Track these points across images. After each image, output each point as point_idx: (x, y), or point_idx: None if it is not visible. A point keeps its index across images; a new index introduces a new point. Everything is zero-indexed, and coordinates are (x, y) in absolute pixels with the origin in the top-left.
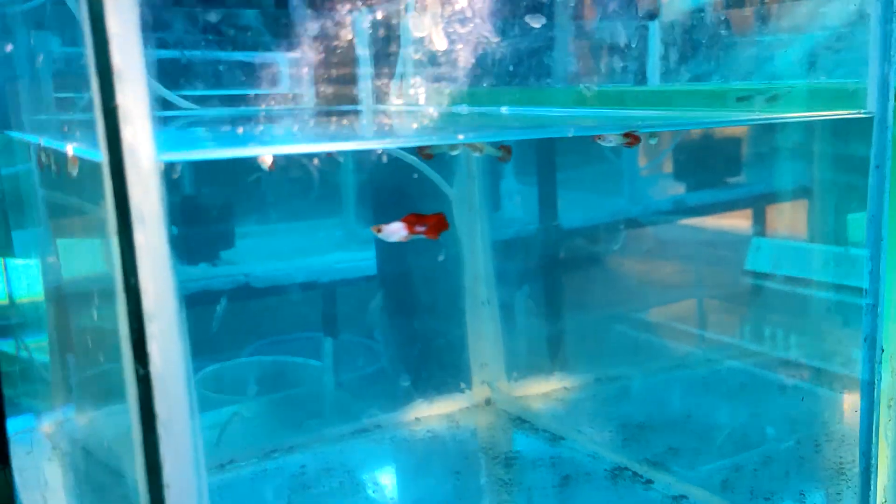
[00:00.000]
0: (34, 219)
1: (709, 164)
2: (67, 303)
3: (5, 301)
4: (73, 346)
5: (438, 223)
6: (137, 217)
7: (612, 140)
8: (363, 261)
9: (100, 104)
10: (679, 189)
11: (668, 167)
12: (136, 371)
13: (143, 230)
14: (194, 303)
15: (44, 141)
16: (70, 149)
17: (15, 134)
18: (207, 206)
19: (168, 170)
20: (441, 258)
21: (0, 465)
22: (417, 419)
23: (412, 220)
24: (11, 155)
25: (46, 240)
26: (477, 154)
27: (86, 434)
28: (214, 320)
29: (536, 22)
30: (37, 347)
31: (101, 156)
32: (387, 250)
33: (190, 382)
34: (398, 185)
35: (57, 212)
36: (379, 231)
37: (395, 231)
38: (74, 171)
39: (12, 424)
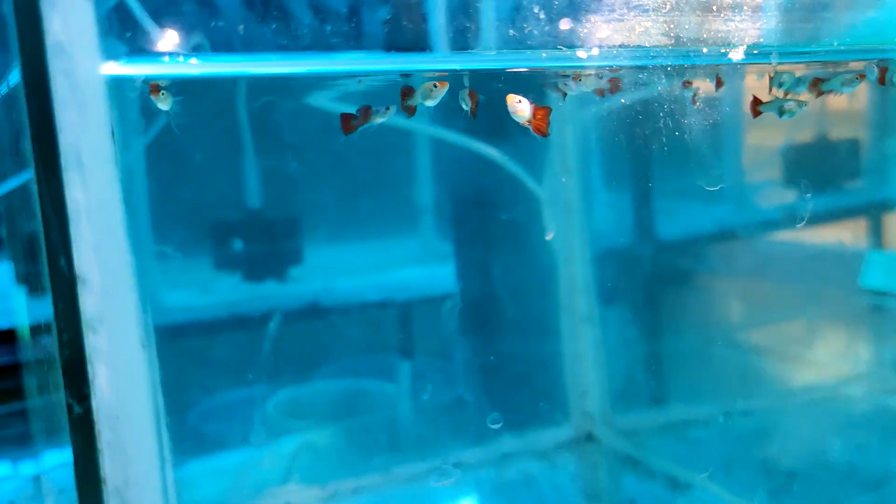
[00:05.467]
0: None
1: (818, 167)
2: None
3: None
4: None
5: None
6: (71, 158)
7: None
8: (442, 276)
9: None
10: (787, 196)
11: (776, 172)
12: (69, 407)
13: (80, 180)
14: (259, 323)
15: None
16: None
17: None
18: (274, 218)
19: (126, 87)
20: (549, 235)
21: None
22: (505, 457)
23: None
24: None
25: None
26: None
27: None
28: (273, 341)
29: None
30: None
31: (15, 67)
32: (469, 263)
33: (160, 425)
34: (478, 188)
35: None
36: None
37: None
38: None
39: None
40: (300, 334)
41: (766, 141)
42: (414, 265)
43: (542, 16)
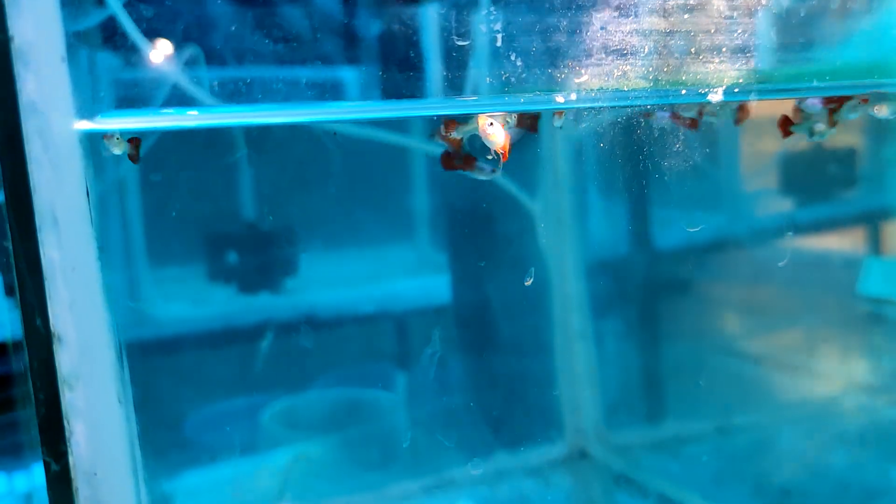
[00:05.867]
0: None
1: (815, 175)
2: None
3: None
4: None
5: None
6: (46, 217)
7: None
8: (436, 288)
9: None
10: (784, 205)
11: (772, 181)
12: (47, 465)
13: (55, 239)
14: (253, 336)
15: None
16: None
17: None
18: (268, 229)
19: (97, 143)
20: (529, 281)
21: None
22: (499, 474)
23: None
24: None
25: None
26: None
27: None
28: (266, 356)
29: None
30: None
31: None
32: (463, 278)
33: (138, 479)
34: (473, 202)
35: None
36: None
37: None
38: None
39: None
40: (293, 347)
41: (762, 149)
42: (408, 277)
43: (519, 63)
